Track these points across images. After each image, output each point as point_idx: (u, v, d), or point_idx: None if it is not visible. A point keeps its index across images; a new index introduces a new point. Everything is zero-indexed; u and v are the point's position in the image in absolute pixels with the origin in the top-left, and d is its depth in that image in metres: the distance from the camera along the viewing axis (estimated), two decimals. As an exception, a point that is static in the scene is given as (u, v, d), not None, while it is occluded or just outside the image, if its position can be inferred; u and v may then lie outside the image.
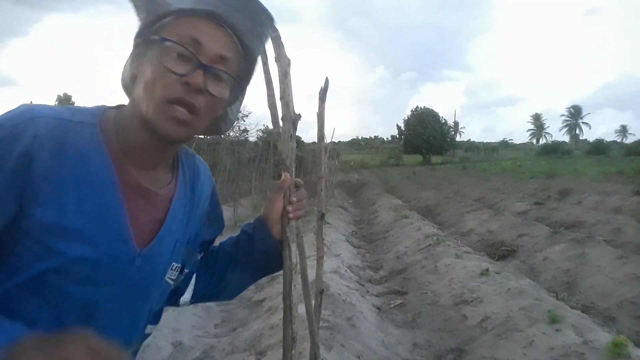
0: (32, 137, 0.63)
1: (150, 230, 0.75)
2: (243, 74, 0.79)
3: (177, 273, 0.83)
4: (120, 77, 0.80)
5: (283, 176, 0.92)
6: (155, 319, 0.86)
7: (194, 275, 0.92)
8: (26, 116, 0.65)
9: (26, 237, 0.63)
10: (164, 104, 0.69)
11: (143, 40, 0.73)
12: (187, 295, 0.91)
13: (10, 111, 0.66)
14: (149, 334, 0.86)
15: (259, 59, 0.83)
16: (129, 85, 0.76)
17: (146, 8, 0.72)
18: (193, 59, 0.69)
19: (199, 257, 0.91)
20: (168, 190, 0.79)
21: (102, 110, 0.75)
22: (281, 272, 0.94)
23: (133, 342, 0.78)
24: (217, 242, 0.99)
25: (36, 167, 0.63)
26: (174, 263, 0.80)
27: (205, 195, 0.89)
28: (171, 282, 0.83)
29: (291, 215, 0.91)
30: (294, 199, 0.92)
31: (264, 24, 0.78)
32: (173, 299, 0.91)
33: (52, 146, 0.65)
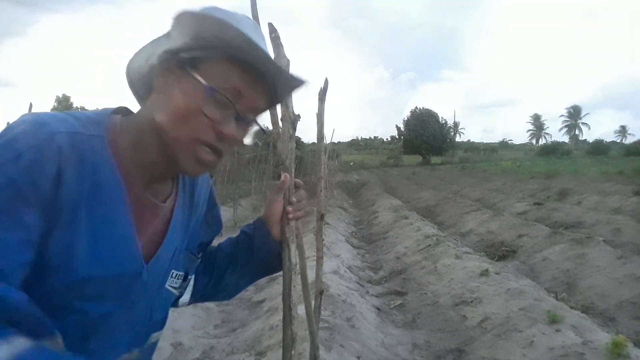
0: (57, 154, 0.61)
1: (154, 243, 0.75)
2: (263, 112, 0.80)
3: (181, 281, 0.83)
4: (126, 69, 0.78)
5: (282, 177, 0.92)
6: (160, 325, 0.86)
7: (193, 277, 0.92)
8: (45, 132, 0.61)
9: (38, 256, 0.61)
10: (192, 143, 0.68)
11: (178, 62, 0.69)
12: (186, 296, 0.91)
13: (19, 126, 0.62)
14: (155, 342, 0.86)
15: None
16: (139, 86, 0.76)
17: (193, 36, 0.68)
18: (231, 110, 0.69)
19: (199, 260, 0.91)
20: (170, 200, 0.79)
21: (106, 117, 0.72)
22: (281, 272, 0.94)
23: (132, 350, 0.78)
24: (215, 243, 0.99)
25: (63, 185, 0.61)
26: (173, 270, 0.80)
27: (203, 198, 0.90)
28: (174, 291, 0.82)
29: (291, 215, 0.91)
30: (294, 200, 0.92)
31: (301, 86, 0.78)
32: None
33: (74, 164, 0.62)
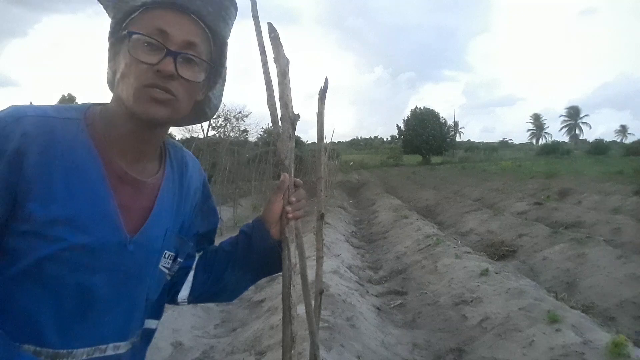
0: (21, 135, 0.67)
1: (140, 218, 0.78)
2: (215, 57, 0.83)
3: (171, 262, 0.85)
4: (105, 78, 0.83)
5: (282, 176, 0.92)
6: (156, 312, 0.87)
7: (192, 273, 0.93)
8: (13, 116, 0.69)
9: (22, 229, 0.67)
10: (141, 89, 0.72)
11: (116, 38, 0.77)
12: (184, 293, 0.92)
13: None
14: (153, 330, 0.87)
15: (228, 42, 0.86)
16: (112, 83, 0.79)
17: (114, 7, 0.76)
18: (161, 48, 0.72)
19: (192, 246, 0.92)
20: (155, 179, 0.81)
21: (87, 107, 0.78)
22: (281, 272, 0.93)
23: (131, 329, 0.80)
24: (217, 243, 0.99)
25: (27, 163, 0.67)
26: (166, 251, 0.83)
27: (195, 186, 0.91)
28: (166, 271, 0.84)
29: (290, 215, 0.91)
30: (293, 199, 0.92)
31: (226, 7, 0.81)
32: (170, 294, 0.92)
33: (40, 142, 0.68)
